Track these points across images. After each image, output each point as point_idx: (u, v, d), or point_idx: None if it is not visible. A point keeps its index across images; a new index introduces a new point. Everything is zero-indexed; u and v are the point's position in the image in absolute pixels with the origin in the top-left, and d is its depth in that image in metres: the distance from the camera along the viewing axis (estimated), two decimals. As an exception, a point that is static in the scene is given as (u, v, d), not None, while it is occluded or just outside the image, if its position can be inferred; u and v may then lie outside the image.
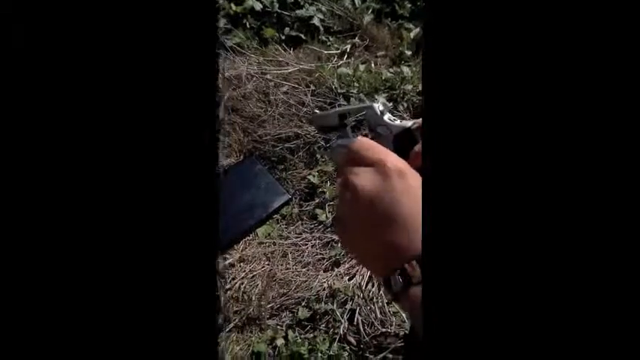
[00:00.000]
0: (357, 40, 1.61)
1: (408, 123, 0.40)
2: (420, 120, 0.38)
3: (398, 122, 0.40)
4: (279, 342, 0.99)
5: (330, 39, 1.63)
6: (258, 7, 1.60)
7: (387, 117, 0.40)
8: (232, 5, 1.61)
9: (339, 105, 1.36)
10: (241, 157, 1.29)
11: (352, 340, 1.01)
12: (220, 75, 1.44)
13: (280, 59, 1.50)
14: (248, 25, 1.60)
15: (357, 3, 1.69)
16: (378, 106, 0.40)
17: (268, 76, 1.41)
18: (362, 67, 1.48)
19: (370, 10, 1.68)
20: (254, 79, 1.41)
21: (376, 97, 1.33)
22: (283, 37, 1.63)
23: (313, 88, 1.40)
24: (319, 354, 0.99)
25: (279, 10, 1.64)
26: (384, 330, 1.01)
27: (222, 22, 1.49)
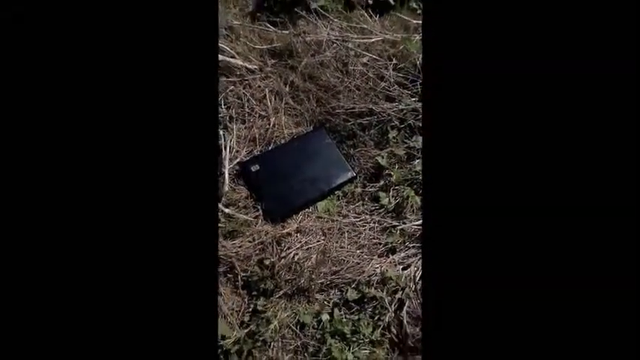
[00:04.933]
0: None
1: None
2: None
3: None
4: (324, 317, 1.01)
5: (422, 6, 1.50)
6: (349, -34, 1.50)
7: None
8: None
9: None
10: (311, 127, 1.27)
11: (394, 330, 1.01)
12: (301, 39, 1.39)
13: (364, 26, 1.42)
14: (335, -14, 1.52)
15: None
16: None
17: (349, 45, 1.34)
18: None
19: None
20: (334, 45, 1.36)
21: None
22: (370, 2, 1.53)
23: (396, 62, 1.32)
24: (362, 336, 1.00)
25: (370, -29, 1.52)
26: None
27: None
